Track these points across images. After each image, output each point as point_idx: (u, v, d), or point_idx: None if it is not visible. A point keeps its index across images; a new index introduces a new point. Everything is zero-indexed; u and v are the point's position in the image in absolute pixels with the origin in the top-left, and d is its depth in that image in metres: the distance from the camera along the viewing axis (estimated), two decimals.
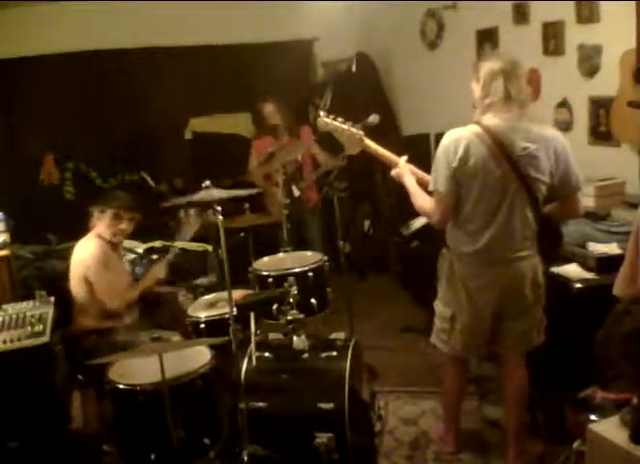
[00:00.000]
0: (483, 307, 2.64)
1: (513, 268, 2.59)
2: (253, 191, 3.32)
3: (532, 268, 2.62)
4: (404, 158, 2.80)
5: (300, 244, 4.15)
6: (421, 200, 2.66)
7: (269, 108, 4.59)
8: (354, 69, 5.68)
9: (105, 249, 3.22)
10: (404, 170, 2.76)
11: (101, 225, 3.24)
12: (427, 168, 2.79)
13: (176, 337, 3.09)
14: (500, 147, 2.44)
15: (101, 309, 3.17)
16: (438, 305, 2.82)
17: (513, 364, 2.78)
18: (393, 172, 2.80)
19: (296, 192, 4.47)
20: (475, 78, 2.53)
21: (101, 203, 3.26)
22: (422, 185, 2.71)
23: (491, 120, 2.48)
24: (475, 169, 2.46)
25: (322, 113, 2.86)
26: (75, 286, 3.19)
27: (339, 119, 2.82)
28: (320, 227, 4.82)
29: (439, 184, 2.52)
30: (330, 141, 4.12)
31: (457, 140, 2.47)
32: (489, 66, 2.48)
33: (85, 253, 3.18)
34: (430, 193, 2.62)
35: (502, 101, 2.46)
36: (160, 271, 3.39)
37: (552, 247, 2.76)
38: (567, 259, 3.02)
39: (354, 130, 2.81)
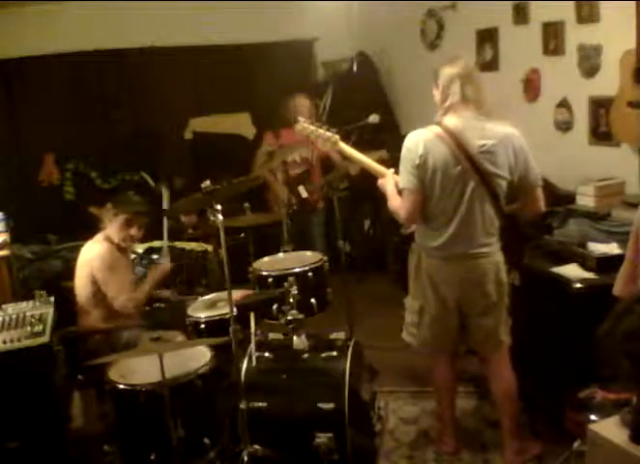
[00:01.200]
0: (449, 301, 2.73)
1: (475, 264, 2.67)
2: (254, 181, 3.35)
3: (494, 265, 2.69)
4: (391, 171, 2.88)
5: (301, 243, 4.13)
6: (394, 201, 2.76)
7: (305, 103, 4.55)
8: (355, 69, 5.69)
9: (113, 252, 3.20)
10: (388, 180, 2.85)
11: (112, 229, 3.23)
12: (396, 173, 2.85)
13: (179, 337, 3.09)
14: (458, 145, 2.56)
15: (107, 310, 3.17)
16: (408, 300, 2.90)
17: (495, 362, 2.82)
18: (379, 182, 2.90)
19: (304, 194, 4.46)
20: (435, 84, 2.69)
21: (114, 206, 3.24)
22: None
23: (451, 120, 2.61)
24: (435, 167, 2.58)
25: (300, 118, 3.05)
26: (81, 287, 3.18)
27: (316, 123, 3.01)
28: (322, 226, 4.81)
29: (404, 182, 2.65)
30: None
31: (418, 140, 2.61)
32: (447, 70, 2.64)
33: (92, 254, 3.17)
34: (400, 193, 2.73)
35: (459, 101, 2.60)
36: (165, 265, 3.38)
37: (518, 246, 2.84)
38: (567, 259, 3.03)
39: (329, 133, 2.96)
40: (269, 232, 4.28)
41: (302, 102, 4.58)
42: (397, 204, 2.73)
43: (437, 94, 2.68)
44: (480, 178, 2.57)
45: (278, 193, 4.50)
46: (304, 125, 2.99)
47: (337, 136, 2.97)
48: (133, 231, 3.24)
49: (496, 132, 2.59)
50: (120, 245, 3.25)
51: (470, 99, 2.60)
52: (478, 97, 2.62)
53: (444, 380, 2.96)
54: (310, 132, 2.99)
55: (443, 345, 2.87)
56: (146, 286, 3.28)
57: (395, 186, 2.78)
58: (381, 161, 3.02)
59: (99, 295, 3.15)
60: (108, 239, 3.22)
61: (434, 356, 2.95)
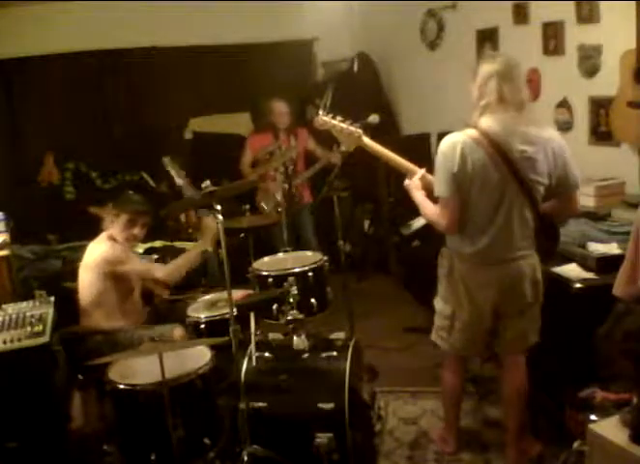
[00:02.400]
0: (483, 305, 2.66)
1: (512, 267, 2.60)
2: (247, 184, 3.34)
3: (530, 266, 2.64)
4: (422, 171, 2.78)
5: (294, 243, 4.12)
6: (428, 210, 2.67)
7: (282, 108, 4.61)
8: (356, 69, 5.69)
9: (117, 246, 3.19)
10: (415, 186, 2.75)
11: (115, 229, 3.22)
12: (427, 167, 2.82)
13: (178, 329, 3.09)
14: (497, 150, 2.46)
15: (114, 309, 3.17)
16: (438, 303, 2.82)
17: (512, 364, 2.78)
18: (406, 183, 2.80)
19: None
20: (473, 80, 2.55)
21: (115, 207, 3.23)
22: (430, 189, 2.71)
23: (488, 123, 2.49)
24: (473, 173, 2.48)
25: (321, 112, 2.89)
26: (86, 287, 3.16)
27: (338, 118, 2.84)
28: (314, 227, 4.82)
29: (442, 190, 2.54)
30: (324, 138, 4.16)
31: (455, 145, 2.49)
32: (485, 67, 2.50)
33: (99, 254, 3.14)
34: (436, 199, 2.63)
35: (496, 101, 2.47)
36: (212, 222, 3.24)
37: (550, 244, 2.77)
38: (567, 259, 3.02)
39: (352, 128, 2.84)
40: (264, 233, 4.26)
41: (280, 108, 4.64)
42: (433, 212, 2.63)
43: (474, 91, 2.54)
44: (520, 184, 2.48)
45: (275, 194, 4.48)
46: (324, 118, 2.85)
47: (361, 131, 2.84)
48: (136, 230, 3.24)
49: (536, 137, 2.48)
50: (124, 244, 3.25)
51: (508, 100, 2.46)
52: (518, 98, 2.48)
53: (454, 382, 2.91)
54: (332, 127, 2.85)
55: (474, 350, 2.84)
56: (180, 261, 3.27)
57: (426, 187, 2.70)
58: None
59: (104, 295, 3.14)
60: (111, 238, 3.21)
61: (449, 359, 2.90)
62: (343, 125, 2.84)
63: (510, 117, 2.47)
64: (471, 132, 2.49)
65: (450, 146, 2.50)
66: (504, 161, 2.46)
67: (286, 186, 4.18)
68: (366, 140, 2.85)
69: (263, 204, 4.69)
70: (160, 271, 3.23)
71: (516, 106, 2.48)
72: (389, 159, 2.85)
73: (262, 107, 4.84)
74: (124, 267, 3.14)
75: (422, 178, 2.77)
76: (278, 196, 4.41)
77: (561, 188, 2.58)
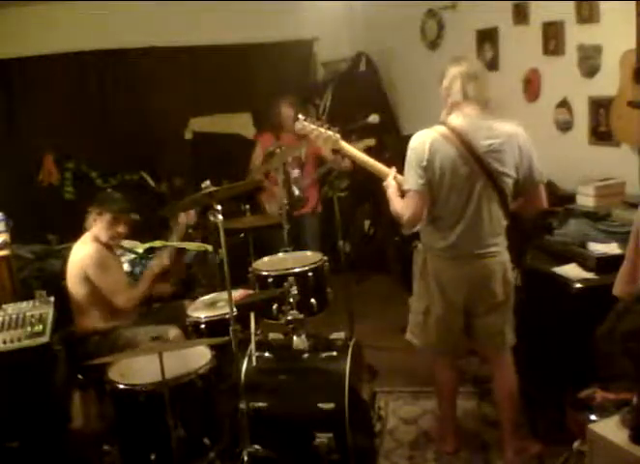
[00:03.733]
0: (455, 302, 2.71)
1: (482, 264, 2.66)
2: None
3: (501, 265, 2.69)
4: (394, 169, 2.85)
5: (296, 246, 4.09)
6: (396, 204, 2.73)
7: (289, 112, 4.46)
8: (360, 69, 5.69)
9: (102, 251, 3.19)
10: (389, 184, 2.82)
11: (98, 228, 3.22)
12: (398, 168, 2.85)
13: (174, 330, 3.09)
14: (465, 145, 2.55)
15: (105, 309, 3.16)
16: (412, 300, 2.90)
17: (498, 362, 2.82)
18: (385, 184, 2.85)
19: (296, 192, 4.42)
20: (440, 82, 2.68)
21: (98, 206, 3.23)
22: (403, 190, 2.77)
23: (455, 119, 2.60)
24: (442, 167, 2.56)
25: (300, 116, 2.98)
26: (75, 287, 3.17)
27: (317, 122, 2.95)
28: (319, 230, 4.68)
29: (410, 183, 2.62)
30: None
31: (424, 141, 2.59)
32: (451, 70, 2.64)
33: (82, 255, 3.16)
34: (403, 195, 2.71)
35: (462, 100, 2.59)
36: (164, 257, 3.35)
37: (520, 244, 2.84)
38: (567, 259, 3.03)
39: (330, 132, 2.93)
40: (266, 235, 4.24)
41: (288, 112, 4.49)
42: (400, 207, 2.70)
43: (442, 92, 2.68)
44: (488, 177, 2.56)
45: (277, 196, 4.42)
46: (303, 123, 2.95)
47: (338, 135, 2.94)
48: (120, 228, 3.24)
49: (502, 131, 2.58)
50: (108, 243, 3.25)
51: (472, 97, 2.59)
52: (481, 95, 2.61)
53: (446, 381, 2.95)
54: (310, 131, 2.95)
55: (447, 346, 2.86)
56: (144, 283, 3.26)
57: (399, 186, 2.76)
58: (368, 149, 3.01)
59: (95, 294, 3.14)
60: (96, 239, 3.21)
61: (436, 356, 2.94)
62: (321, 129, 2.93)
63: (476, 114, 2.59)
64: (440, 129, 2.60)
65: (420, 141, 2.61)
66: (471, 155, 2.55)
67: (286, 189, 4.11)
68: (344, 144, 2.94)
69: (267, 206, 4.60)
70: (122, 299, 3.13)
71: (481, 104, 2.61)
72: (364, 162, 2.92)
73: (267, 107, 4.68)
74: (100, 274, 3.12)
75: (395, 178, 2.82)
76: (285, 199, 4.35)
77: (526, 182, 2.65)
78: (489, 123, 2.59)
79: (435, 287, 2.73)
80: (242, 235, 4.17)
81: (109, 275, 3.16)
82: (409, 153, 2.63)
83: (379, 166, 2.90)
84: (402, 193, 2.72)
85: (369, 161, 2.91)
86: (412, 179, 2.60)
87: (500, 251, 2.68)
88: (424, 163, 2.56)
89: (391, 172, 2.85)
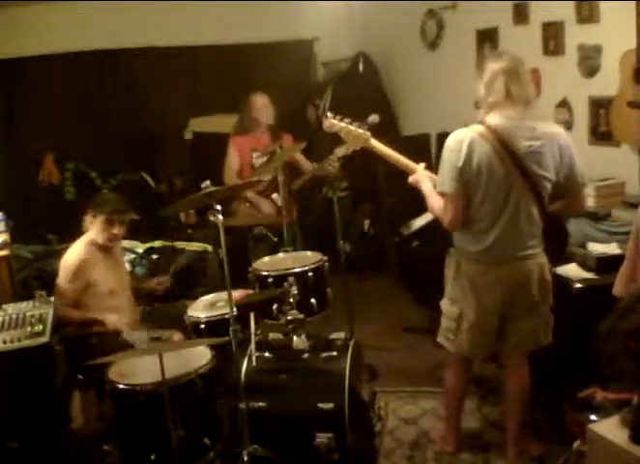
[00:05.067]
0: (490, 306, 2.64)
1: (520, 266, 2.59)
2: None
3: (538, 266, 2.62)
4: (422, 165, 2.80)
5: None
6: (434, 202, 2.65)
7: (260, 101, 4.24)
8: (361, 68, 5.68)
9: (93, 255, 3.20)
10: (422, 176, 2.75)
11: (95, 231, 3.23)
12: (427, 167, 2.81)
13: (177, 336, 3.09)
14: (504, 145, 2.46)
15: (98, 306, 3.19)
16: (445, 304, 2.80)
17: (516, 363, 2.78)
18: (411, 179, 2.79)
19: (278, 202, 4.15)
20: (479, 78, 2.56)
21: (92, 209, 3.23)
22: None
23: (494, 119, 2.50)
24: (479, 168, 2.47)
25: (329, 114, 2.87)
26: (68, 285, 3.20)
27: (346, 120, 2.83)
28: (301, 240, 4.45)
29: (445, 185, 2.53)
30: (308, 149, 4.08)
31: (461, 140, 2.49)
32: (492, 65, 2.52)
33: (75, 252, 3.21)
34: (442, 195, 2.62)
35: (504, 99, 2.48)
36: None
37: (559, 245, 2.76)
38: (567, 259, 3.02)
39: (361, 130, 2.83)
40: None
41: (259, 101, 4.24)
42: (438, 206, 2.60)
43: (481, 89, 2.55)
44: (526, 180, 2.48)
45: (260, 206, 4.27)
46: (333, 121, 2.83)
47: (369, 133, 2.84)
48: (116, 230, 3.23)
49: (543, 133, 2.49)
50: (106, 245, 3.25)
51: (515, 97, 2.47)
52: (524, 95, 2.49)
53: (459, 383, 2.91)
54: (339, 130, 2.84)
55: (480, 350, 2.83)
56: (73, 314, 3.19)
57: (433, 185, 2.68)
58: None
59: (83, 293, 3.19)
60: (91, 242, 3.22)
61: (454, 360, 2.88)
62: (351, 127, 2.83)
63: (517, 113, 2.49)
64: (477, 128, 2.50)
65: (458, 141, 2.50)
66: (510, 156, 2.46)
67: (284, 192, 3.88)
68: (374, 142, 2.85)
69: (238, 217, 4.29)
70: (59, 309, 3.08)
71: (523, 103, 2.50)
72: (395, 159, 2.83)
73: (241, 104, 4.44)
74: (62, 277, 3.16)
75: (427, 175, 2.75)
76: (279, 202, 4.17)
77: (567, 185, 2.58)
78: (531, 123, 2.49)
79: (470, 292, 2.65)
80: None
81: (75, 284, 3.17)
82: (445, 153, 2.53)
83: (410, 163, 2.82)
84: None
85: (400, 159, 2.83)
86: (448, 182, 2.51)
87: (537, 253, 2.61)
88: (460, 164, 2.46)
89: (420, 166, 2.78)
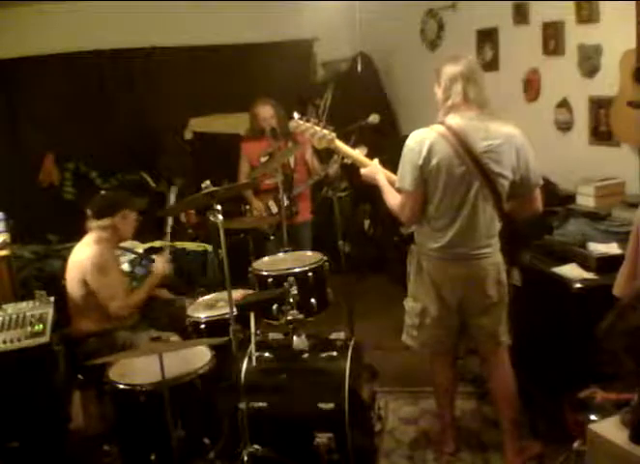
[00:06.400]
0: (449, 302, 2.71)
1: (476, 265, 2.65)
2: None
3: (494, 266, 2.69)
4: (376, 160, 2.89)
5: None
6: (392, 198, 2.74)
7: (267, 113, 4.23)
8: (359, 69, 5.68)
9: (104, 255, 3.16)
10: (377, 169, 2.84)
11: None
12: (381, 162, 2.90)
13: (174, 338, 3.09)
14: (462, 145, 2.53)
15: (100, 312, 3.14)
16: (408, 302, 2.88)
17: (494, 361, 2.82)
18: (364, 171, 2.88)
19: (274, 209, 4.26)
20: (437, 83, 2.65)
21: (123, 208, 3.24)
22: (392, 183, 2.78)
23: (454, 120, 2.58)
24: (439, 167, 2.55)
25: (295, 115, 2.96)
26: (73, 288, 3.15)
27: (312, 120, 2.93)
28: (310, 241, 4.40)
29: (405, 182, 2.61)
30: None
31: (422, 140, 2.57)
32: (449, 70, 2.60)
33: (83, 257, 3.12)
34: (397, 191, 2.71)
35: (462, 102, 2.57)
36: (161, 266, 3.33)
37: (514, 246, 2.82)
38: (567, 259, 3.03)
39: (326, 131, 2.91)
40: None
41: (265, 112, 4.21)
42: (395, 203, 2.71)
43: (439, 93, 2.65)
44: (485, 178, 2.55)
45: (254, 206, 4.32)
46: (298, 122, 2.92)
47: (334, 134, 2.92)
48: (128, 229, 3.26)
49: (500, 132, 2.57)
50: (115, 245, 3.25)
51: (473, 98, 2.57)
52: (481, 96, 2.59)
53: (443, 381, 2.95)
54: (305, 130, 2.93)
55: (444, 346, 2.87)
56: (142, 292, 3.24)
57: (389, 181, 2.77)
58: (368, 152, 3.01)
59: (91, 297, 3.11)
60: (100, 241, 3.18)
61: (434, 357, 2.94)
62: (317, 127, 2.91)
63: (475, 114, 2.57)
64: (437, 128, 2.59)
65: (418, 140, 2.58)
66: (469, 155, 2.53)
67: (282, 196, 3.90)
68: (339, 143, 2.94)
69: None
70: (116, 306, 3.09)
71: (479, 105, 2.59)
72: (354, 158, 2.93)
73: (250, 110, 4.41)
74: (99, 279, 3.08)
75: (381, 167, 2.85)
76: (274, 208, 4.28)
77: (523, 185, 2.64)
78: (487, 124, 2.57)
79: (430, 288, 2.73)
80: (242, 235, 4.15)
81: (108, 279, 3.12)
82: (405, 151, 2.62)
83: (364, 159, 2.92)
84: (397, 190, 2.72)
85: (359, 158, 2.93)
86: (408, 178, 2.60)
87: (493, 252, 2.68)
88: (420, 162, 2.55)
89: (373, 162, 2.87)
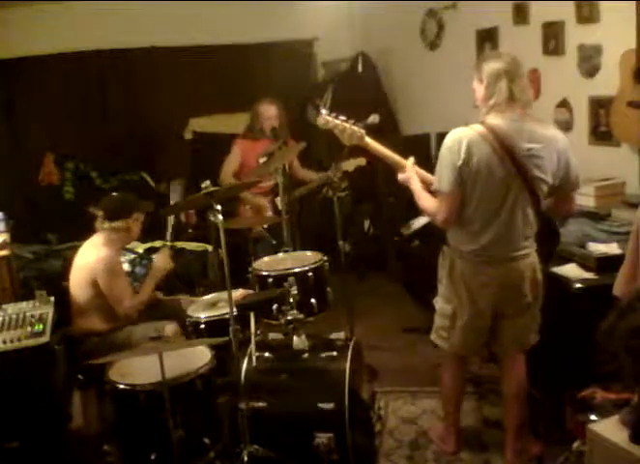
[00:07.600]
0: (483, 305, 2.65)
1: (513, 266, 2.60)
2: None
3: (531, 266, 2.64)
4: (411, 160, 2.80)
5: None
6: (426, 201, 2.65)
7: (271, 112, 4.26)
8: (359, 68, 5.68)
9: (114, 256, 3.17)
10: (411, 174, 2.75)
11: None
12: (427, 168, 2.80)
13: (171, 326, 3.08)
14: (503, 147, 2.45)
15: (106, 313, 3.14)
16: (439, 303, 2.81)
17: (511, 362, 2.79)
18: (401, 177, 2.79)
19: (280, 205, 4.12)
20: (478, 79, 2.54)
21: (135, 210, 3.23)
22: (426, 184, 2.71)
23: (495, 120, 2.49)
24: (478, 168, 2.47)
25: (324, 111, 2.84)
26: (79, 290, 3.14)
27: (341, 117, 2.81)
28: (299, 241, 4.33)
29: (443, 183, 2.52)
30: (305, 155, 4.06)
31: (461, 140, 2.47)
32: (492, 66, 2.49)
33: (93, 259, 3.10)
34: (433, 193, 2.63)
35: (506, 101, 2.47)
36: (163, 260, 3.34)
37: (550, 246, 2.78)
38: (567, 259, 3.03)
39: (355, 128, 2.81)
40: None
41: (270, 111, 4.22)
42: (430, 206, 2.62)
43: (480, 90, 2.53)
44: (525, 182, 2.47)
45: (258, 205, 4.30)
46: (327, 118, 2.80)
47: (363, 131, 2.81)
48: (138, 230, 3.28)
49: (543, 136, 2.49)
50: (123, 246, 3.25)
51: (516, 98, 2.46)
52: (526, 96, 2.49)
53: (455, 382, 2.91)
54: (334, 127, 2.80)
55: (474, 349, 2.84)
56: (147, 289, 3.25)
57: (423, 182, 2.69)
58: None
59: (98, 299, 3.11)
60: (109, 243, 3.17)
61: (450, 360, 2.89)
62: (346, 124, 2.80)
63: (518, 115, 2.48)
64: (477, 127, 2.48)
65: (456, 140, 2.48)
66: (509, 158, 2.45)
67: (288, 194, 3.88)
68: (369, 140, 2.82)
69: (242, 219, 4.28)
70: (125, 307, 3.10)
71: (523, 105, 2.49)
72: (387, 157, 2.82)
73: (250, 109, 4.43)
74: (110, 281, 3.08)
75: (415, 171, 2.75)
76: (269, 212, 4.26)
77: (562, 187, 2.58)
78: (531, 125, 2.48)
79: (464, 292, 2.65)
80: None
81: (119, 281, 3.13)
82: (443, 151, 2.51)
83: (398, 159, 2.80)
84: (427, 189, 2.65)
85: (392, 156, 2.81)
86: (445, 179, 2.50)
87: (530, 253, 2.62)
88: (460, 163, 2.45)
89: (408, 163, 2.77)
